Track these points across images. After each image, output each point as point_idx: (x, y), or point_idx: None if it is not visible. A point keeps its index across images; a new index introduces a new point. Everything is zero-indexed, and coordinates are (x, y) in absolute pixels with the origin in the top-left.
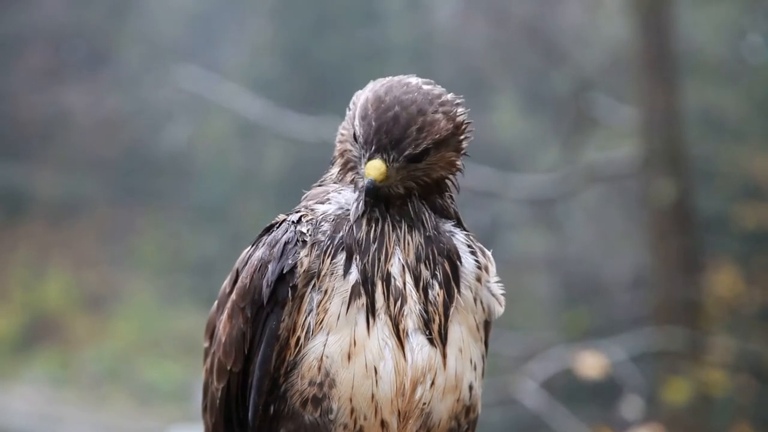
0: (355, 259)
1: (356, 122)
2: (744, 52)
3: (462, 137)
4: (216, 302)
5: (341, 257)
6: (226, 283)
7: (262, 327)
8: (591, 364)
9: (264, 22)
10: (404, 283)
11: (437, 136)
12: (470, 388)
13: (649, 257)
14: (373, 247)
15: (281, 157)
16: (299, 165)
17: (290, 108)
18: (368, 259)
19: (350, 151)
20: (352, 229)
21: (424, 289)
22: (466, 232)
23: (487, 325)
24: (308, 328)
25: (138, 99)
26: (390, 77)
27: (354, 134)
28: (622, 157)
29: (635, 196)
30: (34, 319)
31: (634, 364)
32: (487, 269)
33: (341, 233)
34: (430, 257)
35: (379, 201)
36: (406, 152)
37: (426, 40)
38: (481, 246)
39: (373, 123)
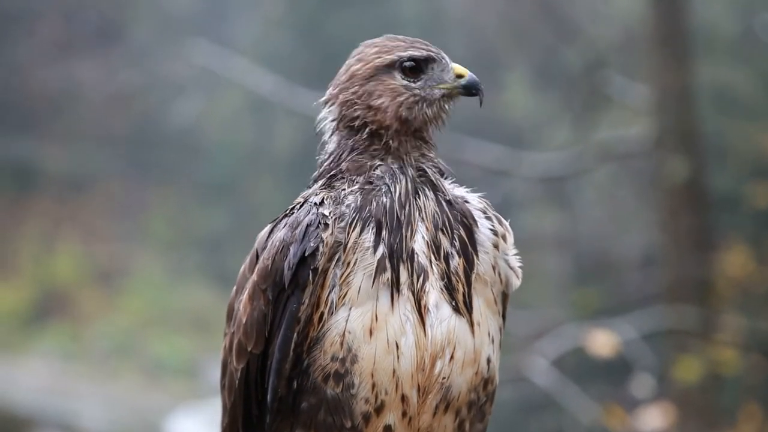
0: (384, 234)
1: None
2: (757, 30)
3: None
4: (235, 287)
5: (370, 231)
6: (245, 266)
7: (283, 309)
8: (602, 342)
9: None
10: (429, 261)
11: None
12: (488, 360)
13: (660, 236)
14: (402, 222)
15: (292, 133)
16: (310, 141)
17: (301, 84)
18: (396, 235)
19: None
20: (382, 203)
21: (445, 259)
22: (480, 196)
23: (504, 297)
24: (331, 303)
25: (149, 73)
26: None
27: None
28: (634, 135)
29: (647, 175)
30: (44, 293)
31: (644, 342)
32: (504, 238)
33: (371, 206)
34: (447, 225)
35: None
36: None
37: (438, 17)
38: (498, 214)
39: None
